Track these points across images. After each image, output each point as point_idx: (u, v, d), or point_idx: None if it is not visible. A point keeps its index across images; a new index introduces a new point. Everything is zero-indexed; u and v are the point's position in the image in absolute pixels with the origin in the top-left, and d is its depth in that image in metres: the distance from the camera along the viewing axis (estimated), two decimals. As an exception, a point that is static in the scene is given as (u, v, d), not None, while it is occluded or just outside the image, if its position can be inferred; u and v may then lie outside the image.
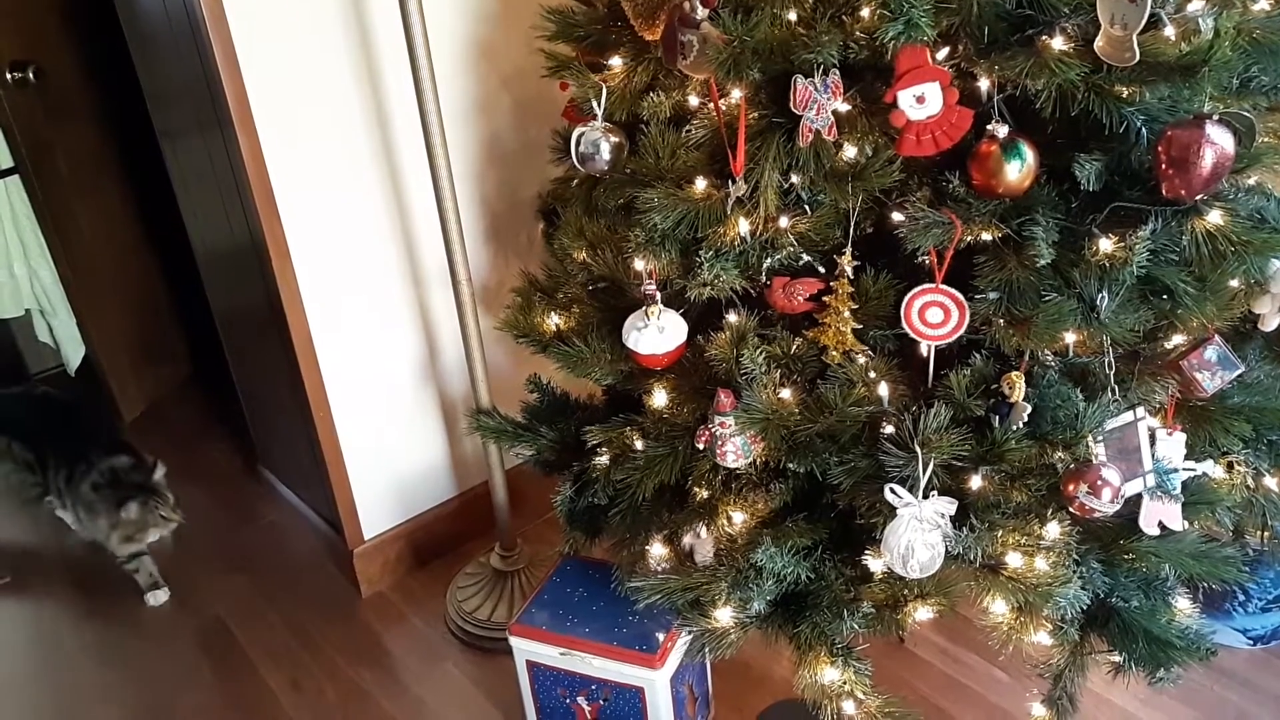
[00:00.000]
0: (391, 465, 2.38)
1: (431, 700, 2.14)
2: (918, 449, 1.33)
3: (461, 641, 2.27)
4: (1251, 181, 1.34)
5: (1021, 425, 1.35)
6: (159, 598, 2.44)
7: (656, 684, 1.77)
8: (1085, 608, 1.44)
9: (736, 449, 1.49)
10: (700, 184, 1.45)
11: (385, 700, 2.14)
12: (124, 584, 2.46)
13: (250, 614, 2.33)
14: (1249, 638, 2.05)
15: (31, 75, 2.73)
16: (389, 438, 2.36)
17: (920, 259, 1.38)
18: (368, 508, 2.37)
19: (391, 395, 2.34)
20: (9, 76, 2.71)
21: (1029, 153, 1.27)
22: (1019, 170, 1.27)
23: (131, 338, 3.18)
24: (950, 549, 1.38)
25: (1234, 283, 1.40)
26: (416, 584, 2.45)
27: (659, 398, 1.62)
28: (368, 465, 2.33)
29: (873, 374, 1.44)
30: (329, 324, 2.16)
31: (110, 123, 2.94)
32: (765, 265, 1.46)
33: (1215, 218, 1.28)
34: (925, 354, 1.42)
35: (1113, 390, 1.39)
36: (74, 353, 3.37)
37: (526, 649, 1.85)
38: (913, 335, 1.39)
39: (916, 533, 1.35)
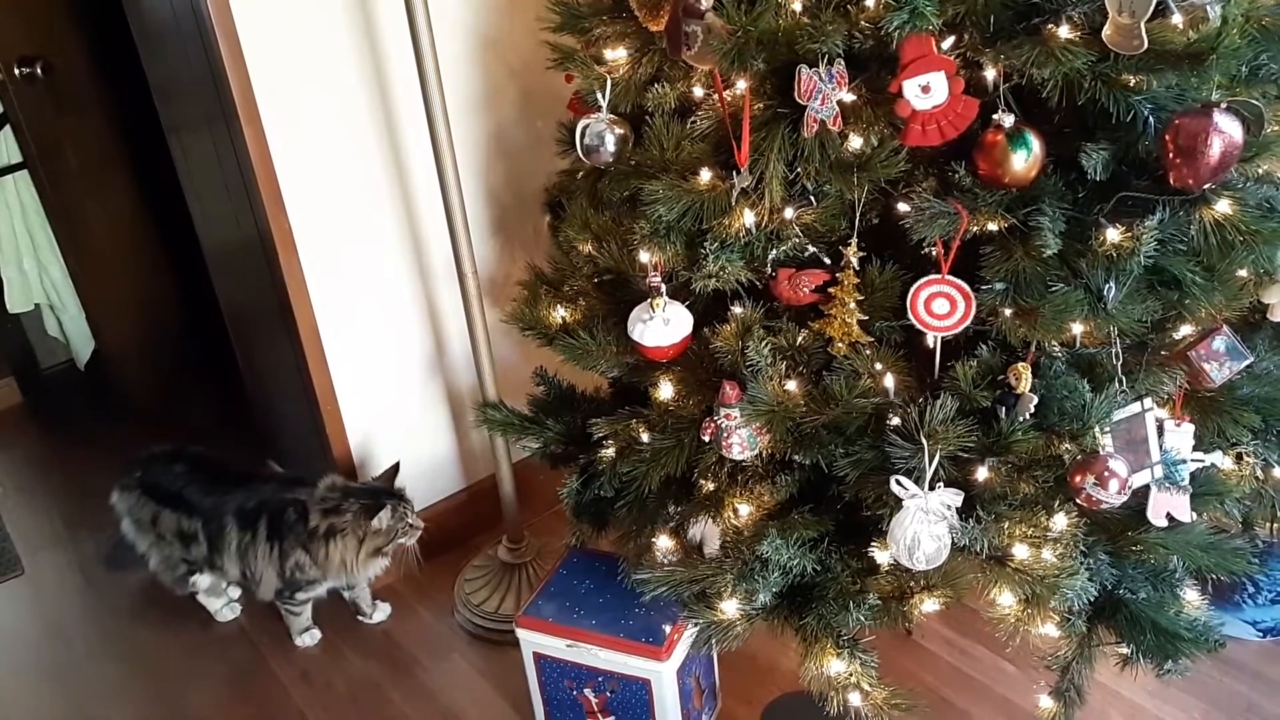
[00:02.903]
0: (399, 458, 2.37)
1: (440, 692, 2.14)
2: (924, 440, 1.32)
3: (469, 634, 2.28)
4: (1260, 170, 1.33)
5: (1028, 416, 1.34)
6: (314, 637, 2.30)
7: (663, 676, 1.77)
8: (1093, 599, 1.44)
9: (742, 441, 1.49)
10: (705, 175, 1.44)
11: (394, 692, 2.15)
12: (133, 579, 2.46)
13: (259, 607, 2.34)
14: (1258, 629, 2.04)
15: (40, 70, 2.74)
16: (397, 431, 2.36)
17: (926, 250, 1.37)
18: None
19: (398, 389, 2.34)
20: (17, 72, 2.72)
21: (1035, 142, 1.26)
22: (1025, 160, 1.26)
23: (140, 332, 3.18)
24: (956, 541, 1.38)
25: (1242, 272, 1.39)
26: (424, 576, 2.45)
27: (665, 390, 1.62)
28: (376, 458, 2.33)
29: (879, 365, 1.43)
30: (336, 318, 2.16)
31: (118, 117, 2.95)
32: (770, 257, 1.46)
33: (1223, 207, 1.27)
34: (931, 345, 1.42)
35: (1120, 381, 1.38)
36: (83, 347, 3.38)
37: (533, 641, 1.86)
38: (919, 326, 1.39)
39: (922, 524, 1.34)
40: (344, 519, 2.05)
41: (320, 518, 2.06)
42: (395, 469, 2.15)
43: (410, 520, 2.10)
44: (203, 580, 2.31)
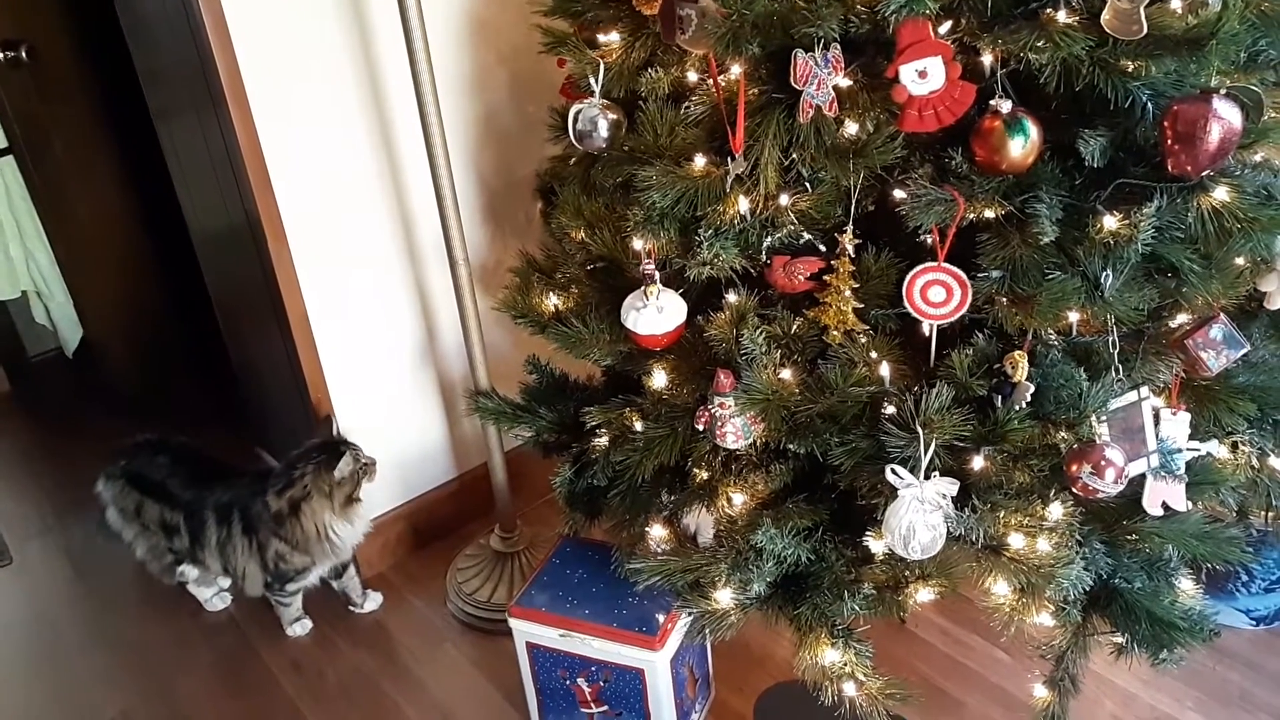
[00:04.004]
0: (391, 447, 2.37)
1: (432, 682, 2.14)
2: (919, 429, 1.31)
3: (462, 623, 2.27)
4: (1258, 157, 1.33)
5: (1024, 405, 1.34)
6: (305, 627, 2.29)
7: (657, 665, 1.76)
8: (1088, 589, 1.44)
9: (736, 430, 1.48)
10: (699, 161, 1.43)
11: (386, 682, 2.14)
12: (123, 568, 2.45)
13: (249, 596, 2.32)
14: (1252, 618, 2.04)
15: (24, 54, 2.70)
16: (388, 420, 2.35)
17: (922, 237, 1.36)
18: (367, 490, 2.35)
19: (390, 377, 2.32)
20: (2, 56, 2.69)
21: (1033, 128, 1.25)
22: (1022, 146, 1.25)
23: (128, 319, 3.16)
24: (952, 530, 1.37)
25: (1240, 260, 1.39)
26: (417, 565, 2.45)
27: (658, 378, 1.61)
28: (367, 447, 2.31)
29: (874, 354, 1.42)
30: (326, 305, 2.14)
31: (105, 102, 2.91)
32: (765, 244, 1.45)
33: (1221, 194, 1.26)
34: (927, 333, 1.41)
35: (1117, 370, 1.38)
36: (71, 335, 3.36)
37: (526, 630, 1.85)
38: (915, 314, 1.38)
39: (918, 514, 1.34)
40: (303, 485, 2.03)
41: (277, 498, 2.05)
42: (328, 420, 2.13)
43: (364, 459, 2.09)
44: (191, 570, 2.29)
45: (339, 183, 2.07)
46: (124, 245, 3.10)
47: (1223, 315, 1.42)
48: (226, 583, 2.36)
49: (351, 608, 2.32)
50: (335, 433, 2.12)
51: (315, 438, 2.13)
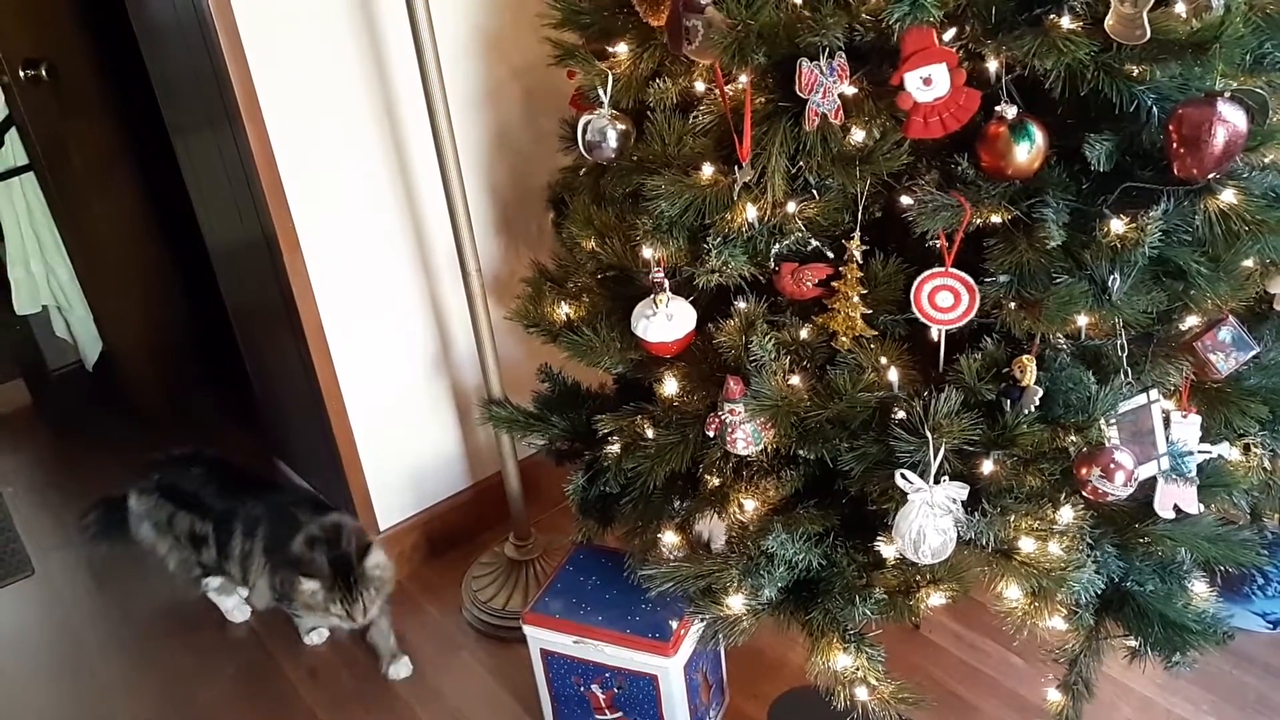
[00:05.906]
0: (406, 456, 2.39)
1: (448, 689, 2.15)
2: (929, 434, 1.32)
3: (477, 631, 2.28)
4: (1265, 159, 1.32)
5: (1033, 409, 1.34)
6: (322, 636, 2.30)
7: (670, 671, 1.77)
8: (1100, 592, 1.44)
9: (747, 436, 1.49)
10: (707, 170, 1.44)
11: (402, 689, 2.15)
12: (144, 578, 2.48)
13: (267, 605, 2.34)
14: (1268, 621, 2.03)
15: (44, 73, 2.75)
16: (403, 429, 2.37)
17: (930, 242, 1.36)
18: (383, 499, 2.38)
19: (404, 386, 2.34)
20: (22, 74, 2.73)
21: (1038, 134, 1.26)
22: (1028, 151, 1.26)
23: (147, 332, 3.19)
24: (962, 534, 1.37)
25: (1248, 263, 1.38)
26: (432, 574, 2.46)
27: (669, 386, 1.61)
28: (382, 457, 2.33)
29: (883, 359, 1.43)
30: (341, 316, 2.16)
31: (123, 118, 2.95)
32: (773, 251, 1.46)
33: (1228, 197, 1.26)
34: (936, 338, 1.41)
35: (1126, 373, 1.38)
36: (91, 349, 3.39)
37: (540, 637, 1.86)
38: (923, 320, 1.38)
39: (928, 518, 1.34)
40: (304, 561, 1.98)
41: (301, 545, 2.00)
42: (366, 549, 1.99)
43: (345, 607, 1.97)
44: (214, 580, 2.31)
45: (353, 195, 2.09)
46: (143, 259, 3.14)
47: (1232, 318, 1.42)
48: (246, 592, 2.38)
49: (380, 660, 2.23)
50: (364, 564, 1.98)
51: (349, 547, 1.99)
